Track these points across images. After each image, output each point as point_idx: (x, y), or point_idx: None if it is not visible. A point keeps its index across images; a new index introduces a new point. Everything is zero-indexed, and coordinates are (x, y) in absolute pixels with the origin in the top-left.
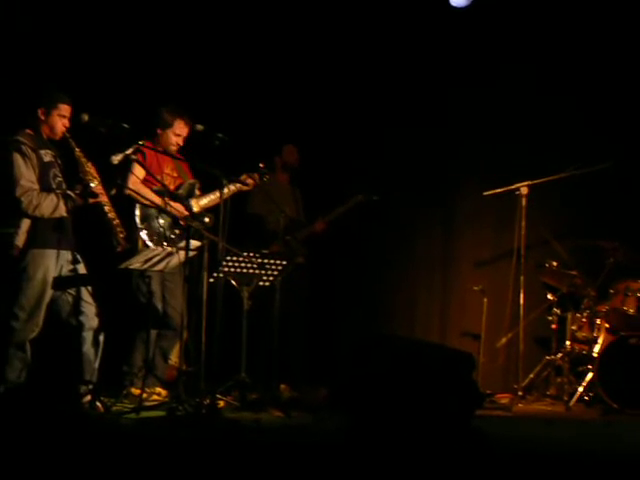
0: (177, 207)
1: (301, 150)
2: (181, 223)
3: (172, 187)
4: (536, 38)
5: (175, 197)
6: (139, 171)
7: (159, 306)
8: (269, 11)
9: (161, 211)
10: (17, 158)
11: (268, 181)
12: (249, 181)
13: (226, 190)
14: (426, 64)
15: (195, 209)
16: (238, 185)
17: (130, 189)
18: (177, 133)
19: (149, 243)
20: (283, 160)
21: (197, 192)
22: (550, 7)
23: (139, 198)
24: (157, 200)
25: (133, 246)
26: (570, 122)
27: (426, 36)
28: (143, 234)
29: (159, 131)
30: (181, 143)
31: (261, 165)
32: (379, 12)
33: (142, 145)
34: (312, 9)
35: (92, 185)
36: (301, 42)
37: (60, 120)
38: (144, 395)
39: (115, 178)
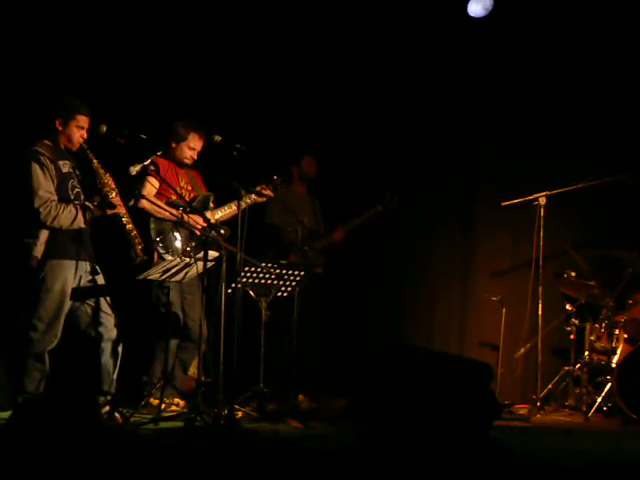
0: (194, 218)
1: (319, 160)
2: (197, 234)
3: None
4: (557, 46)
5: (191, 209)
6: (154, 182)
7: (180, 316)
8: (288, 22)
9: (177, 223)
10: (35, 169)
11: (286, 192)
12: (266, 192)
13: (243, 203)
14: (444, 73)
15: (211, 221)
16: (253, 197)
17: (145, 199)
18: (191, 147)
19: (165, 256)
20: (301, 171)
21: (211, 205)
22: (572, 14)
23: (152, 211)
24: (173, 212)
25: (149, 259)
26: (588, 132)
27: (444, 43)
28: (159, 247)
29: (173, 144)
30: (195, 157)
31: (275, 178)
32: (398, 22)
33: (159, 156)
34: (331, 20)
35: (110, 196)
36: (320, 53)
37: (78, 131)
38: (163, 406)
39: (133, 189)
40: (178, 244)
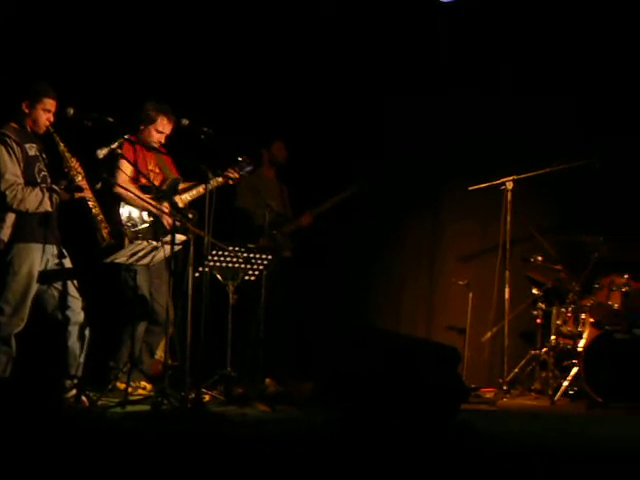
0: (164, 205)
1: (288, 144)
2: (166, 219)
3: (156, 183)
4: (522, 33)
5: (161, 195)
6: (126, 168)
7: (147, 299)
8: (258, 4)
9: (149, 212)
10: (2, 152)
11: (254, 176)
12: (232, 174)
13: (210, 185)
14: (412, 59)
15: (180, 205)
16: (219, 179)
17: (120, 186)
18: (159, 130)
19: (134, 240)
20: (272, 155)
21: (180, 188)
22: (533, 2)
23: (128, 198)
24: (149, 201)
25: (119, 242)
26: (555, 117)
27: (414, 32)
28: (128, 231)
29: (142, 127)
30: (163, 140)
31: (240, 159)
32: (368, 7)
33: (127, 140)
34: (302, 3)
35: (77, 180)
36: (290, 37)
37: (44, 114)
38: (130, 389)
39: (100, 172)
40: (147, 227)
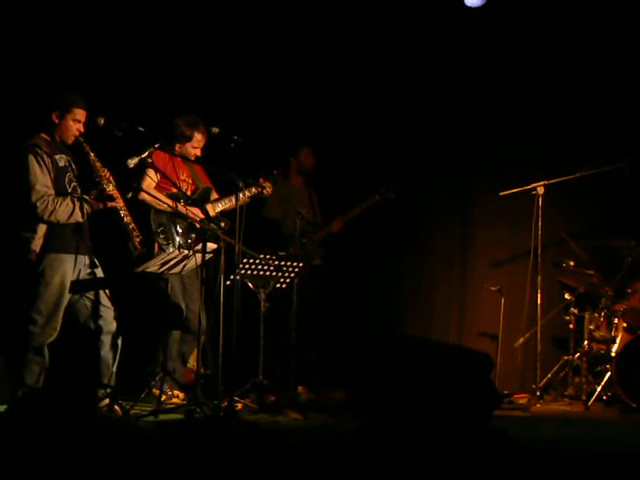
0: (193, 211)
1: (317, 150)
2: (197, 226)
3: (188, 193)
4: (553, 36)
5: (191, 201)
6: (153, 175)
7: (181, 307)
8: (283, 14)
9: (176, 215)
10: (32, 163)
11: (283, 184)
12: (267, 185)
13: (242, 195)
14: (441, 63)
15: (211, 214)
16: (254, 191)
17: (145, 192)
18: (195, 146)
19: (166, 248)
20: (299, 162)
21: (213, 197)
22: (566, 5)
23: (153, 203)
24: (172, 204)
25: (149, 251)
26: (586, 121)
27: (441, 34)
28: (160, 239)
29: (178, 146)
30: (199, 154)
31: (275, 172)
32: (393, 11)
33: (158, 149)
34: (330, 12)
35: (107, 189)
36: (318, 44)
37: (74, 125)
38: (163, 397)
39: (131, 182)
40: (178, 236)
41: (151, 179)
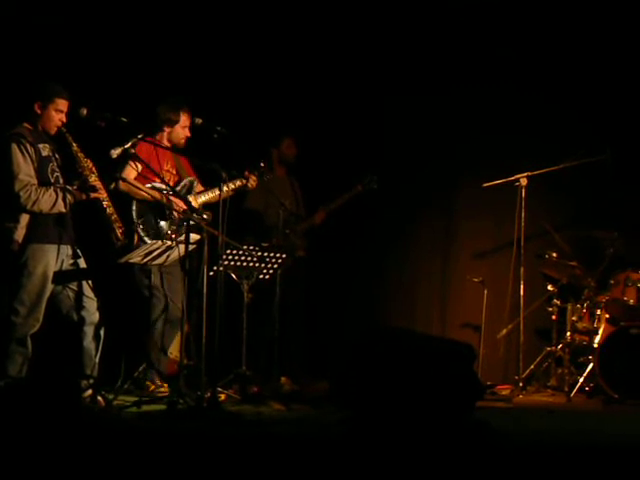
0: (176, 202)
1: (299, 140)
2: (179, 217)
3: (171, 184)
4: (535, 29)
5: (174, 193)
6: (136, 166)
7: (162, 299)
8: (264, 3)
9: (158, 206)
10: (15, 152)
11: (268, 180)
12: (251, 177)
13: (226, 187)
14: (424, 56)
15: (194, 205)
16: (238, 183)
17: (127, 182)
18: (184, 125)
19: (146, 239)
20: (281, 153)
21: (196, 189)
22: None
23: (133, 193)
24: (155, 195)
25: (131, 242)
26: (569, 113)
27: (423, 27)
28: (139, 229)
29: (167, 130)
30: (189, 134)
31: (262, 164)
32: (373, 6)
33: (141, 139)
34: (309, 4)
35: (90, 180)
36: (297, 34)
37: (57, 115)
38: (152, 387)
39: (114, 172)
40: (160, 227)
41: (133, 169)
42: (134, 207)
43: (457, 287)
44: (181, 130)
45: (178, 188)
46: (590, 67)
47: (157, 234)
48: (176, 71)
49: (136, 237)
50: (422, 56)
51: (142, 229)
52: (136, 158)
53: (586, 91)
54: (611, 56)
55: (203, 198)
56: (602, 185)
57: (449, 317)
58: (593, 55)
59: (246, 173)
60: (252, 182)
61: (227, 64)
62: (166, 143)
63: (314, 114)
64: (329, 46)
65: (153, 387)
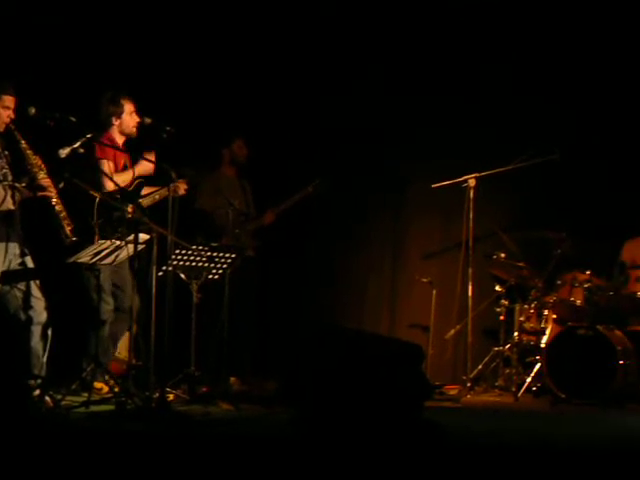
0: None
1: (249, 141)
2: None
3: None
4: (482, 28)
5: (126, 194)
6: (109, 167)
7: (109, 300)
8: (218, 2)
9: (110, 206)
10: None
11: (214, 174)
12: (181, 185)
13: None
14: (369, 56)
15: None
16: (163, 193)
17: (111, 179)
18: (130, 112)
19: (105, 238)
20: (232, 153)
21: (143, 191)
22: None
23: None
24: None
25: (90, 241)
26: (517, 114)
27: (373, 27)
28: (97, 229)
29: (116, 121)
30: (138, 118)
31: (193, 172)
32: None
33: (91, 139)
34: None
35: (39, 177)
36: (250, 36)
37: (4, 111)
38: (106, 389)
39: (63, 171)
40: (114, 227)
41: (110, 169)
42: (96, 206)
43: (406, 287)
44: (129, 118)
45: (130, 188)
46: (540, 67)
47: (114, 232)
48: (128, 71)
49: (96, 237)
50: (367, 56)
51: (101, 228)
52: (91, 157)
53: (535, 92)
54: (561, 55)
55: (148, 202)
56: (551, 185)
57: (398, 317)
58: (544, 55)
59: (176, 180)
60: (182, 190)
61: (179, 64)
62: (119, 136)
63: (265, 115)
64: (279, 47)
65: (107, 388)
